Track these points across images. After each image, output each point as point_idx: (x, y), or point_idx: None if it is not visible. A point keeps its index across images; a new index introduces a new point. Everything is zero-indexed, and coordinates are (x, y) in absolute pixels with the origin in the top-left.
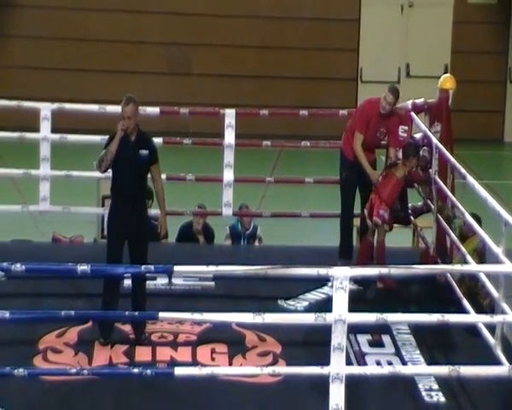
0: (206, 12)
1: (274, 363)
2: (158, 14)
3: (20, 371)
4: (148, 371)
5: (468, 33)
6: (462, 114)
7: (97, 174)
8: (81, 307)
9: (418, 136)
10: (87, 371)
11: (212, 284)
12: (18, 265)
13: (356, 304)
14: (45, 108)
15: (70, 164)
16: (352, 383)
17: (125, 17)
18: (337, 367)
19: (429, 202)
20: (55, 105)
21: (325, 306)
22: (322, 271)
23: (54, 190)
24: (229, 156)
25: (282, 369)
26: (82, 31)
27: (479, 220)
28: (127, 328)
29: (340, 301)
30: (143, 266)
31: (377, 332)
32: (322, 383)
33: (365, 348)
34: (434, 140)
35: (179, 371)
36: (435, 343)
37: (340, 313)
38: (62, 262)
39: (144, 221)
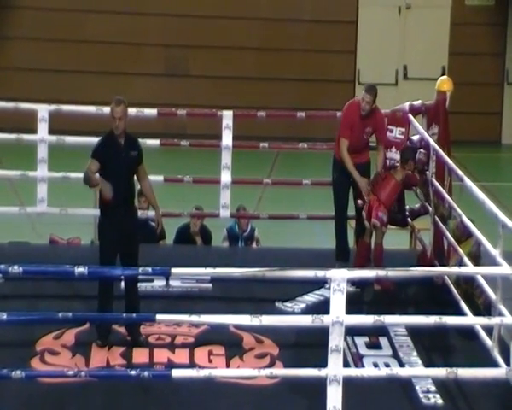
0: (205, 14)
1: (271, 365)
2: (156, 16)
3: (18, 373)
4: (146, 373)
5: (466, 35)
6: (459, 116)
7: None
8: (78, 309)
9: (415, 138)
10: (84, 373)
11: (210, 285)
12: (15, 267)
13: (353, 306)
14: (42, 110)
15: (67, 166)
16: (350, 386)
17: (124, 19)
18: (334, 369)
19: (426, 204)
20: (53, 106)
21: (323, 308)
22: (320, 273)
23: (51, 192)
24: (226, 158)
25: (280, 371)
26: (80, 32)
27: (472, 224)
28: (124, 330)
29: (338, 303)
30: (141, 268)
31: (374, 334)
32: (319, 386)
33: (363, 350)
34: (432, 142)
35: (177, 373)
36: (433, 345)
37: (338, 315)
38: (60, 264)
39: (136, 221)
